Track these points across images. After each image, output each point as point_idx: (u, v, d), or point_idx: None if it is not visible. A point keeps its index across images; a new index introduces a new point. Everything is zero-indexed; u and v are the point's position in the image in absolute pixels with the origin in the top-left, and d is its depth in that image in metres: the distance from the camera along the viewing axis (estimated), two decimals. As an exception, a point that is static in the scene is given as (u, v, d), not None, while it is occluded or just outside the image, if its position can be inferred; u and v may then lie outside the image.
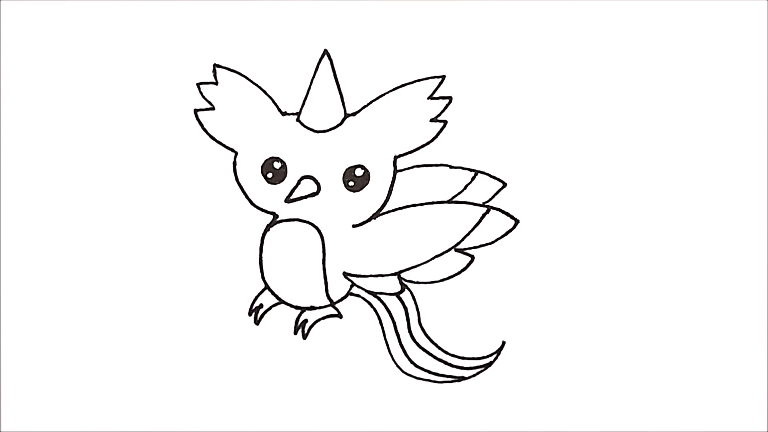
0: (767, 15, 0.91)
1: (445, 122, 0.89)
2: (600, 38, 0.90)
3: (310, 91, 0.90)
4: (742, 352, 0.92)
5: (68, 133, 0.92)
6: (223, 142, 0.91)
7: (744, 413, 0.92)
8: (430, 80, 0.89)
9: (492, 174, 0.90)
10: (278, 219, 0.91)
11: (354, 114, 0.90)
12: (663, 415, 0.92)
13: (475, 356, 0.92)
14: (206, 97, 0.91)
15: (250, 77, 0.90)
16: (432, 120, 0.89)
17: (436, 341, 0.92)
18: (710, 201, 0.91)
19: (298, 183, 0.89)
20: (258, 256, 0.91)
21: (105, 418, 0.94)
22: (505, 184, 0.90)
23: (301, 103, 0.90)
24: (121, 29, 0.92)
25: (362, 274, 0.91)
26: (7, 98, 0.93)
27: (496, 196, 0.90)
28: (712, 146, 0.91)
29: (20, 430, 0.95)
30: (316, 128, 0.90)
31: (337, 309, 0.92)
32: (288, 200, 0.90)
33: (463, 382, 0.92)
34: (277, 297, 0.92)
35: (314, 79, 0.89)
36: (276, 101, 0.91)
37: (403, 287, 0.91)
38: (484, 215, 0.90)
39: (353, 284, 0.91)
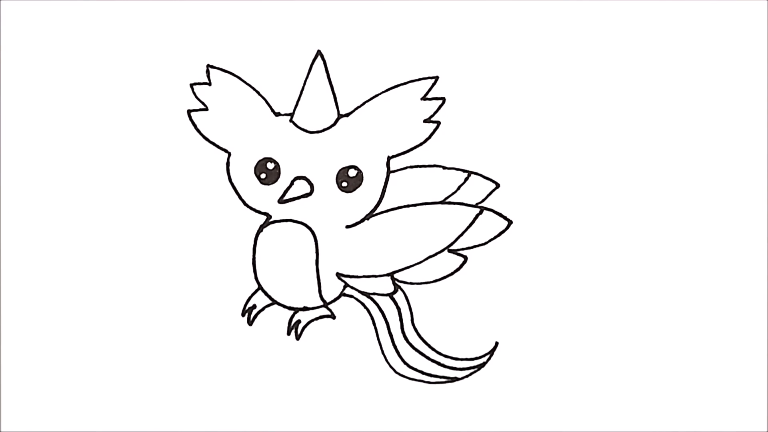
0: (767, 15, 0.90)
1: (438, 123, 0.89)
2: (593, 39, 0.90)
3: (304, 92, 0.90)
4: (741, 352, 0.91)
5: (61, 133, 0.93)
6: (217, 143, 0.91)
7: (744, 413, 0.92)
8: (423, 81, 0.89)
9: (485, 175, 0.90)
10: (271, 220, 0.91)
11: (347, 115, 0.90)
12: (658, 415, 0.92)
13: (468, 357, 0.92)
14: (199, 97, 0.91)
15: (243, 78, 0.91)
16: (425, 121, 0.89)
17: (429, 342, 0.92)
18: (705, 202, 0.91)
19: (292, 184, 0.90)
20: (251, 257, 0.91)
21: (100, 418, 0.94)
22: (498, 185, 0.90)
23: (295, 103, 0.90)
24: (115, 30, 0.92)
25: (355, 274, 0.91)
26: (2, 98, 0.93)
27: (489, 197, 0.90)
28: (708, 147, 0.91)
29: (20, 430, 0.95)
30: (309, 129, 0.90)
31: (330, 310, 0.92)
32: (281, 201, 0.90)
33: (456, 382, 0.92)
34: (270, 297, 0.92)
35: (307, 80, 0.89)
36: (269, 102, 0.91)
37: (396, 288, 0.91)
38: (477, 216, 0.90)
39: (346, 285, 0.91)
